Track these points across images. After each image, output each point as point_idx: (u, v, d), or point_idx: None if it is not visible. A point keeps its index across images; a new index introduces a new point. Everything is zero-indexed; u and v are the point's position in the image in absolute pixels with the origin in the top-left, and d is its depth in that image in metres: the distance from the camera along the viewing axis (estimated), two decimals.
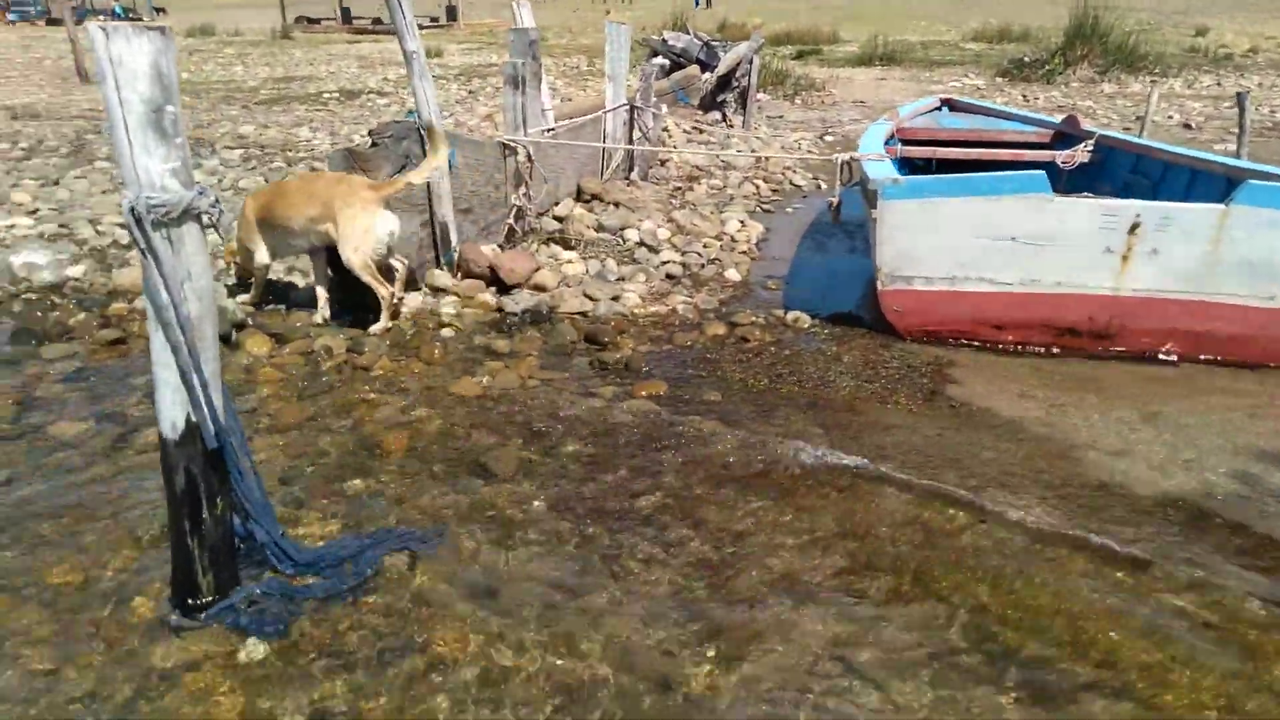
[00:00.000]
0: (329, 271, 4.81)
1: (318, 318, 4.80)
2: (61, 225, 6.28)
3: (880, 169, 4.86)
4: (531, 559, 2.82)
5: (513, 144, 6.08)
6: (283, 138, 9.79)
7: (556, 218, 6.74)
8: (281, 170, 7.96)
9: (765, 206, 7.98)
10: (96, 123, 11.05)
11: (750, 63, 11.75)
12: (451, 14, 37.75)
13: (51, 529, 2.90)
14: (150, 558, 2.73)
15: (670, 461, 3.43)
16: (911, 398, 4.08)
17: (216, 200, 2.25)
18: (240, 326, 4.62)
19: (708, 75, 12.42)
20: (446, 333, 4.78)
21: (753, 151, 9.89)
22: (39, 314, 4.75)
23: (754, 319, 5.01)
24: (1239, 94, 7.79)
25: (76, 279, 5.25)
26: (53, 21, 52.71)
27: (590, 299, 5.25)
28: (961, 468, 3.42)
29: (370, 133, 4.93)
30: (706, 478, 3.32)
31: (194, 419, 2.35)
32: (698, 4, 42.71)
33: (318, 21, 38.66)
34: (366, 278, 4.51)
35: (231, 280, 5.19)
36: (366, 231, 4.41)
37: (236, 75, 17.21)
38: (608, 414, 3.84)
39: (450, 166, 5.25)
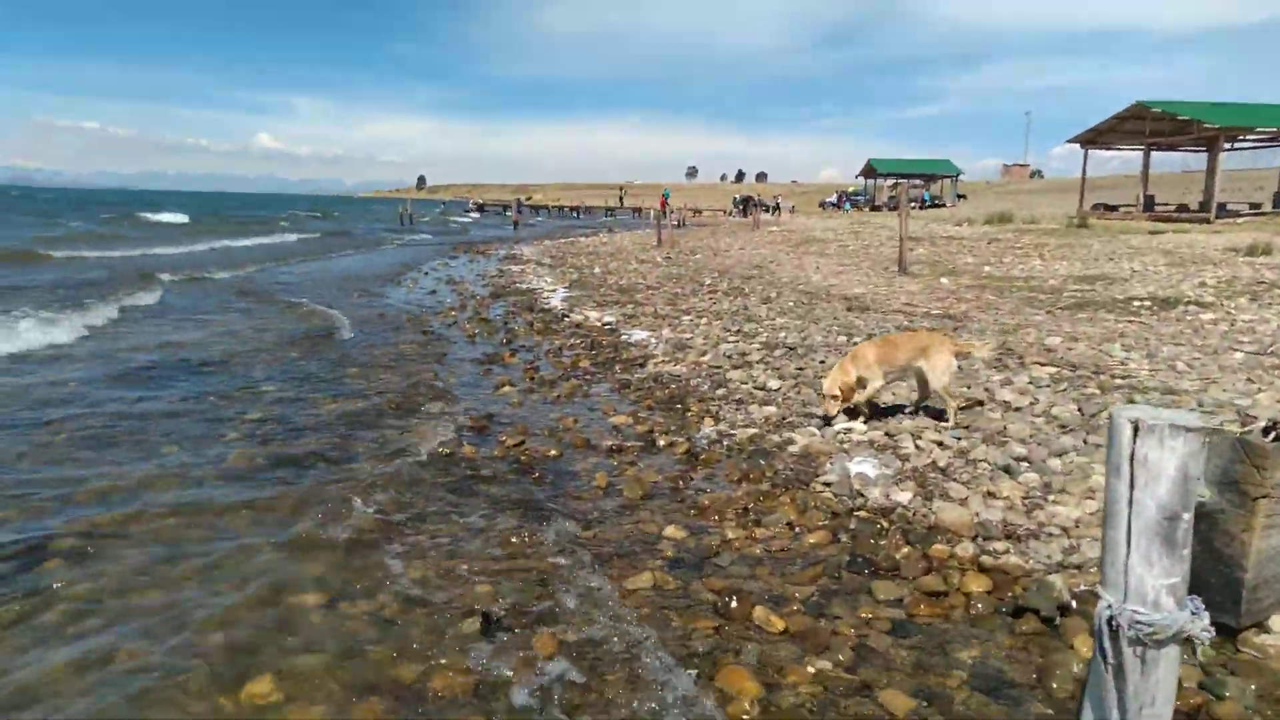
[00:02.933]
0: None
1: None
2: (888, 434, 6.81)
3: None
4: None
5: None
6: (1092, 355, 9.26)
7: None
8: (1095, 397, 7.42)
9: None
10: (910, 316, 12.23)
11: None
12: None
13: None
14: None
15: None
16: None
17: (1210, 624, 1.81)
18: (1064, 610, 4.17)
19: None
20: None
21: None
22: (870, 539, 5.03)
23: None
24: None
25: (903, 505, 5.48)
26: (874, 208, 63.54)
27: None
28: None
29: (1272, 423, 4.05)
30: None
31: None
32: None
33: (1115, 209, 37.77)
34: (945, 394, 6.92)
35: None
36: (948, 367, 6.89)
37: (1035, 270, 17.44)
38: None
39: None
